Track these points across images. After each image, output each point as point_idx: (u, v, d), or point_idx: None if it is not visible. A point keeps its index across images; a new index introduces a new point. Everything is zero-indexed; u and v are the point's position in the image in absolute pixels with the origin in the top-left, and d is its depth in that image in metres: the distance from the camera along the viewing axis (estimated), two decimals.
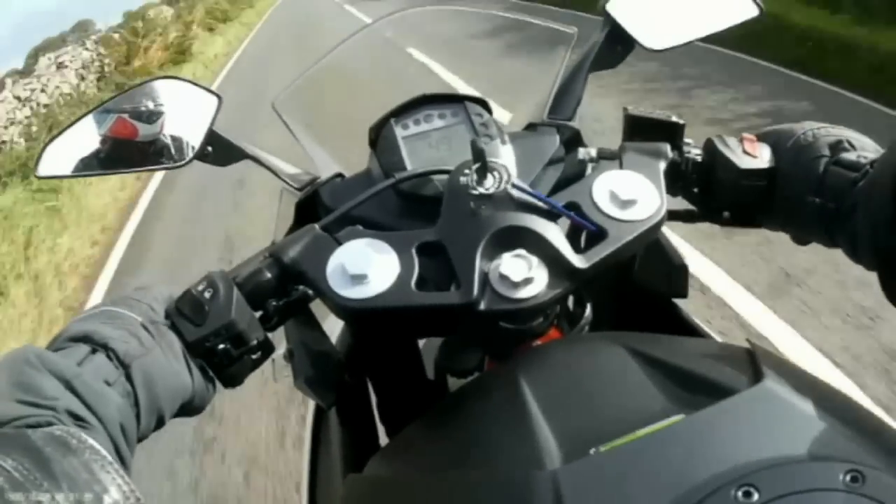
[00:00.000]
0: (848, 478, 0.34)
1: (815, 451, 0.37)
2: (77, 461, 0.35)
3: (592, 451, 0.40)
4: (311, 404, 0.82)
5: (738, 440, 0.38)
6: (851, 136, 0.59)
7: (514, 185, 0.56)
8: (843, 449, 0.38)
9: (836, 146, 0.57)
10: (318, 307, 0.59)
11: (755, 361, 0.46)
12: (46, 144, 0.75)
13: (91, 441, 0.37)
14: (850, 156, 0.56)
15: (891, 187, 0.49)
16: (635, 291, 0.72)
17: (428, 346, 0.77)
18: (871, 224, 0.52)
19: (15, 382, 0.41)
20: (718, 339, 0.70)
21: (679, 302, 0.73)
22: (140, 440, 0.47)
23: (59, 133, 0.75)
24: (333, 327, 0.72)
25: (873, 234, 0.52)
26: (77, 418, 0.41)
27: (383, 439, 0.76)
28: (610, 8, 0.71)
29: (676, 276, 0.70)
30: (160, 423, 0.49)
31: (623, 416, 0.43)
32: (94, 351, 0.46)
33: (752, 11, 0.71)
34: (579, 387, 0.49)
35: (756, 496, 0.34)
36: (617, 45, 0.72)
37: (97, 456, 0.36)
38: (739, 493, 0.34)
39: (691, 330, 0.71)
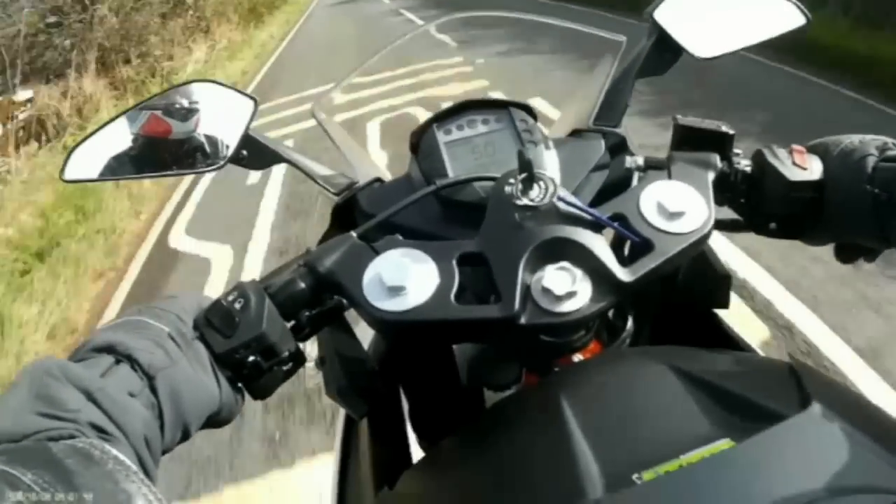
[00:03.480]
0: None
1: (867, 482, 0.36)
2: (100, 471, 0.34)
3: (636, 476, 0.39)
4: (342, 414, 0.80)
5: (789, 470, 0.37)
6: None
7: (559, 198, 0.54)
8: (894, 478, 0.36)
9: (883, 147, 0.57)
10: (351, 311, 0.57)
11: (800, 381, 0.45)
12: (74, 148, 0.73)
13: (115, 451, 0.36)
14: None
15: None
16: (676, 301, 0.71)
17: (461, 349, 0.76)
18: None
19: (36, 394, 0.40)
20: (760, 352, 0.69)
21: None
22: (164, 453, 0.46)
23: (88, 136, 0.73)
24: (366, 332, 0.71)
25: None
26: (100, 430, 0.40)
27: (414, 448, 0.75)
28: (657, 15, 0.71)
29: (719, 286, 0.68)
30: (186, 435, 0.47)
31: (667, 439, 0.42)
32: (117, 362, 0.44)
33: (800, 20, 0.70)
34: (622, 408, 0.47)
35: None
36: (664, 52, 0.71)
37: (121, 466, 0.35)
38: None
39: (732, 342, 0.69)
